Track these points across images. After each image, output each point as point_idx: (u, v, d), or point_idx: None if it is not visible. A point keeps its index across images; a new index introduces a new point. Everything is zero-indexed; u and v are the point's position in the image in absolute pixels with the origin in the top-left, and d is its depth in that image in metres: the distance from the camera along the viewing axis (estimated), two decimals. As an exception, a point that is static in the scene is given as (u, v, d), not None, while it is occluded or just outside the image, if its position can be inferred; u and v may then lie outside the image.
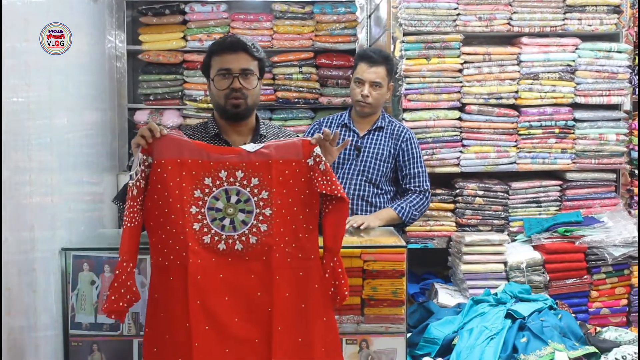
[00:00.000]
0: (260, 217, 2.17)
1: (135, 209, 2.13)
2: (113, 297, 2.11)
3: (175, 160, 2.15)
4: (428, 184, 3.50)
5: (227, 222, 2.18)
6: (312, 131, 3.65)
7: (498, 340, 2.88)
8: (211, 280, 2.14)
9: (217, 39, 4.07)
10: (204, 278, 2.13)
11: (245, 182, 2.18)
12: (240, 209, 2.18)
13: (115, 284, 2.11)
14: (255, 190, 2.18)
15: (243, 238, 2.17)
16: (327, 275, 2.18)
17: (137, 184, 2.12)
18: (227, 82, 2.51)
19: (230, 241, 2.17)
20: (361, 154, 3.49)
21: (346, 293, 2.20)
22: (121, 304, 2.12)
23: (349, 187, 3.46)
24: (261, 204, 2.17)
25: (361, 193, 3.46)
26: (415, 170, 3.47)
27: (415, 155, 3.49)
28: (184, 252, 2.12)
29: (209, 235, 2.16)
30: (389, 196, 3.50)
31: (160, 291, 2.16)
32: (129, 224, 2.11)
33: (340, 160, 3.50)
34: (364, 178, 3.47)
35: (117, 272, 2.12)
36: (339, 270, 2.19)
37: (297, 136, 2.68)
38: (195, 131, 2.66)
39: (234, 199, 2.18)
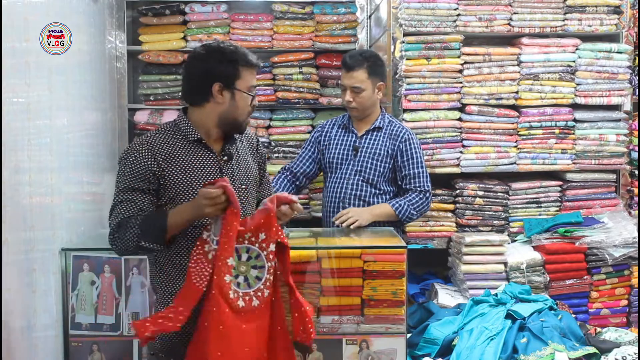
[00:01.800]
0: (272, 270, 2.22)
1: (208, 273, 2.11)
2: (148, 324, 2.09)
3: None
4: (429, 184, 3.49)
5: (241, 279, 2.19)
6: (314, 137, 3.67)
7: (498, 340, 2.88)
8: (230, 332, 2.13)
9: (216, 39, 4.11)
10: (225, 329, 2.12)
11: (253, 239, 2.21)
12: (252, 266, 2.21)
13: (160, 320, 2.09)
14: (264, 245, 2.22)
15: (259, 293, 2.20)
16: (296, 315, 2.27)
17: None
18: (252, 100, 2.38)
19: (247, 298, 2.19)
20: (358, 153, 3.50)
21: (311, 331, 2.28)
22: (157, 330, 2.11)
23: (346, 186, 3.47)
24: (270, 256, 2.22)
25: (358, 192, 3.46)
26: (415, 170, 3.46)
27: (414, 155, 3.48)
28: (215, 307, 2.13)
29: (231, 291, 2.16)
30: (388, 196, 3.49)
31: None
32: (203, 288, 2.10)
33: (338, 160, 3.53)
34: (361, 178, 3.47)
35: (169, 315, 2.09)
36: (307, 308, 2.31)
37: (257, 137, 2.65)
38: (168, 135, 2.40)
39: (244, 256, 2.20)
